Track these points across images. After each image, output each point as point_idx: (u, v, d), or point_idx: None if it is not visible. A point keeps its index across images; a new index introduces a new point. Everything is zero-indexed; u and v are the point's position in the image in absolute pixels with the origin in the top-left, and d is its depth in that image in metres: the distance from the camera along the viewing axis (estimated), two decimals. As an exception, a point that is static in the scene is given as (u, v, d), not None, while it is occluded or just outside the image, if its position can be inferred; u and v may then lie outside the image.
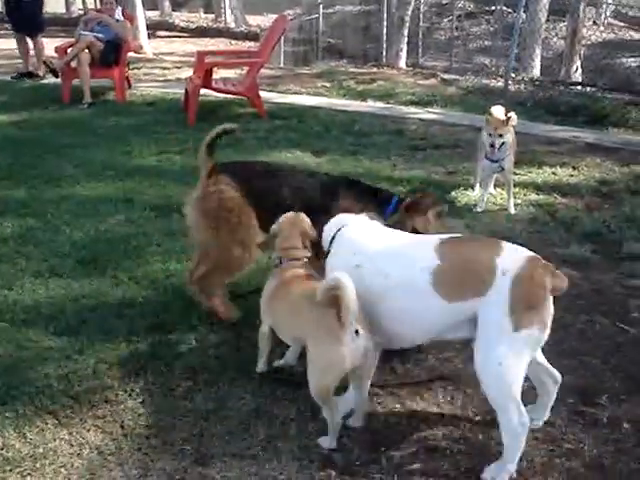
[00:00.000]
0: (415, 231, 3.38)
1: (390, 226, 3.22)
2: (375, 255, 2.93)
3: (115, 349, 3.51)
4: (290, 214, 3.32)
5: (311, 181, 3.81)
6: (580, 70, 11.92)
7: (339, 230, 3.14)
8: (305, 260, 3.24)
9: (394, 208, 3.64)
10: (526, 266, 2.67)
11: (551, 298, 2.69)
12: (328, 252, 3.16)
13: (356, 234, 3.08)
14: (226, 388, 3.25)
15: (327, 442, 2.85)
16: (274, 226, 3.29)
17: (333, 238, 3.14)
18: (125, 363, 3.41)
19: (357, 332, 2.67)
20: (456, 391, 3.27)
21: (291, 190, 3.70)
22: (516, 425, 2.62)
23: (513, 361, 2.61)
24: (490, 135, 5.41)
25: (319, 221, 3.34)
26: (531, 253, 2.76)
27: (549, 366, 2.99)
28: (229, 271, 3.83)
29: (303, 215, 3.31)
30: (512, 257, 2.70)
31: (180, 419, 3.02)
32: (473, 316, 2.70)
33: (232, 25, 21.20)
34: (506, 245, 2.77)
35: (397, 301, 2.83)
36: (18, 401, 3.13)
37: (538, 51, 12.63)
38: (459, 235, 3.31)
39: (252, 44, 18.25)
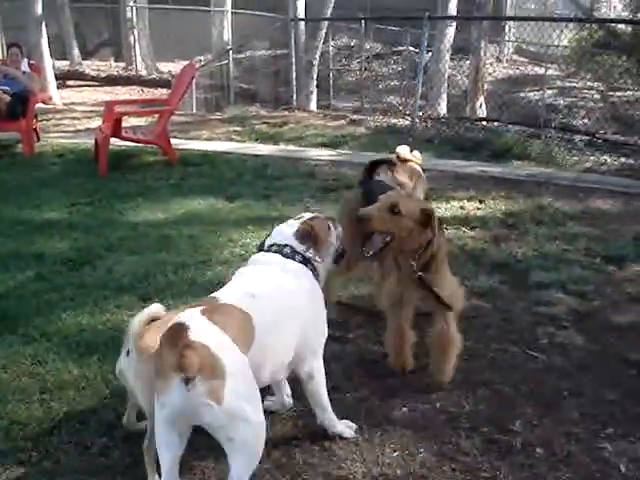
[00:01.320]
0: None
1: None
2: None
3: (28, 409, 3.43)
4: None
5: None
6: (484, 106, 12.30)
7: None
8: None
9: None
10: None
11: None
12: None
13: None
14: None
15: None
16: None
17: None
18: (39, 423, 3.33)
19: (128, 352, 2.84)
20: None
21: None
22: None
23: None
24: None
25: None
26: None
27: None
28: None
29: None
30: None
31: (97, 477, 2.96)
32: None
33: (143, 73, 21.15)
34: None
35: None
36: None
37: (444, 89, 13.00)
38: None
39: (164, 91, 18.22)
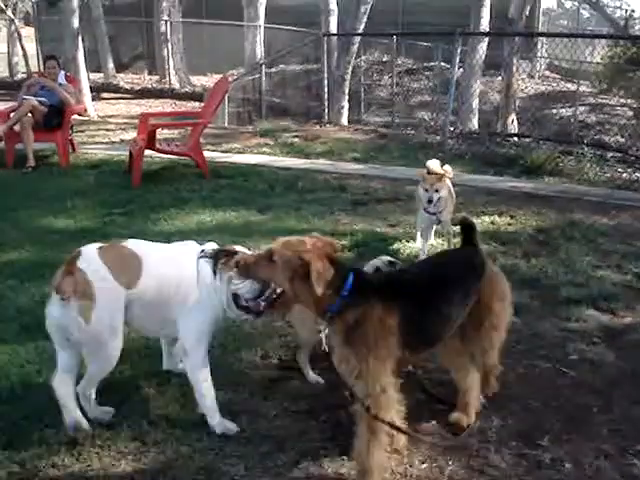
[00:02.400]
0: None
1: None
2: None
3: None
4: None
5: None
6: (516, 122, 12.28)
7: None
8: None
9: None
10: None
11: None
12: None
13: None
14: (175, 447, 3.25)
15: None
16: None
17: None
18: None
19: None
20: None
21: None
22: None
23: None
24: (427, 190, 5.57)
25: None
26: None
27: None
28: None
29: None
30: None
31: (129, 481, 3.01)
32: None
33: (176, 86, 21.34)
34: None
35: None
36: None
37: (475, 105, 12.99)
38: None
39: (196, 104, 18.38)
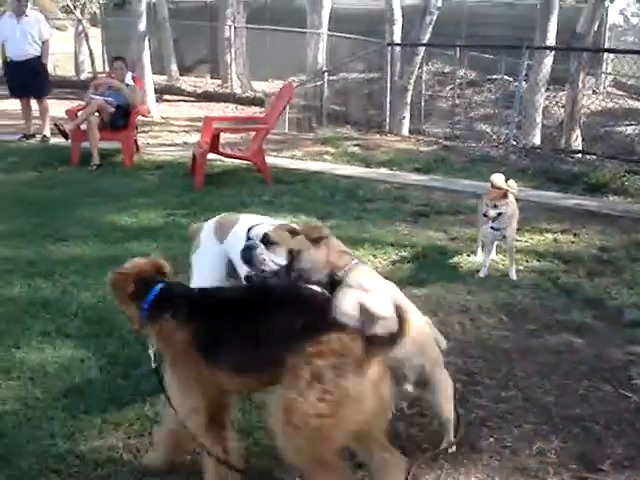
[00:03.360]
0: None
1: None
2: None
3: (121, 409, 3.55)
4: None
5: None
6: (580, 138, 12.09)
7: None
8: None
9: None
10: None
11: None
12: None
13: None
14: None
15: None
16: None
17: None
18: (130, 424, 3.44)
19: None
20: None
21: None
22: None
23: None
24: (486, 204, 5.53)
25: None
26: None
27: None
28: None
29: None
30: None
31: (185, 480, 3.04)
32: None
33: (238, 90, 21.53)
34: None
35: None
36: (23, 459, 3.16)
37: (539, 119, 12.83)
38: None
39: (257, 109, 18.54)
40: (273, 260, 3.18)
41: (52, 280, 5.34)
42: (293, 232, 3.24)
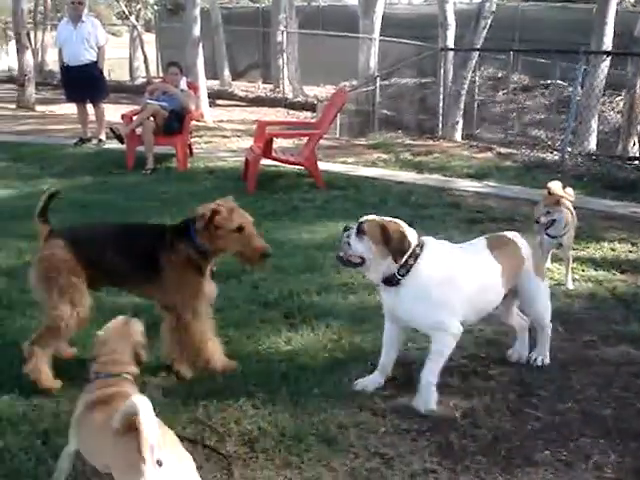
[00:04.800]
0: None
1: None
2: None
3: (174, 412, 3.57)
4: (120, 320, 3.12)
5: (131, 234, 4.14)
6: (638, 144, 11.86)
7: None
8: (127, 376, 2.95)
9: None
10: None
11: None
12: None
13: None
14: (283, 455, 3.28)
15: None
16: (100, 333, 3.07)
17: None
18: (183, 427, 3.46)
19: (159, 462, 2.31)
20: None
21: (115, 246, 3.95)
22: None
23: None
24: (539, 211, 5.46)
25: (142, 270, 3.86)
26: None
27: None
28: (59, 333, 3.90)
29: (135, 322, 3.13)
30: None
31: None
32: None
33: (289, 95, 21.67)
34: None
35: None
36: (78, 460, 3.19)
37: (594, 125, 12.61)
38: None
39: (309, 114, 18.62)
40: (356, 247, 3.55)
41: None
42: (384, 230, 3.52)
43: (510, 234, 4.06)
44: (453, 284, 3.63)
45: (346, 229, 3.64)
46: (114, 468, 2.50)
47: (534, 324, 4.19)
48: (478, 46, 14.13)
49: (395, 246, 3.52)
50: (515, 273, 3.93)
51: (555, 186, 5.59)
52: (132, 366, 3.00)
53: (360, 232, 3.55)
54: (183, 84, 10.52)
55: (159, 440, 2.32)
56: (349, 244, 3.58)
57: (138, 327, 3.10)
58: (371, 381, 3.90)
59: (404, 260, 3.54)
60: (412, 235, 3.61)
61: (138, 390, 2.93)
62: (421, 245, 3.61)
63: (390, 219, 3.64)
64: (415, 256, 3.57)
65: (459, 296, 3.65)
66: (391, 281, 3.62)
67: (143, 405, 2.33)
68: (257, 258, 3.89)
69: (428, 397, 3.65)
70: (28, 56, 17.20)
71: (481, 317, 3.96)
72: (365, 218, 3.62)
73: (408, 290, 3.61)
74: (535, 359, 4.16)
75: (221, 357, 4.05)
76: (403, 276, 3.57)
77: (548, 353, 4.19)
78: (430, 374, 3.66)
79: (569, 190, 5.67)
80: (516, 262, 3.93)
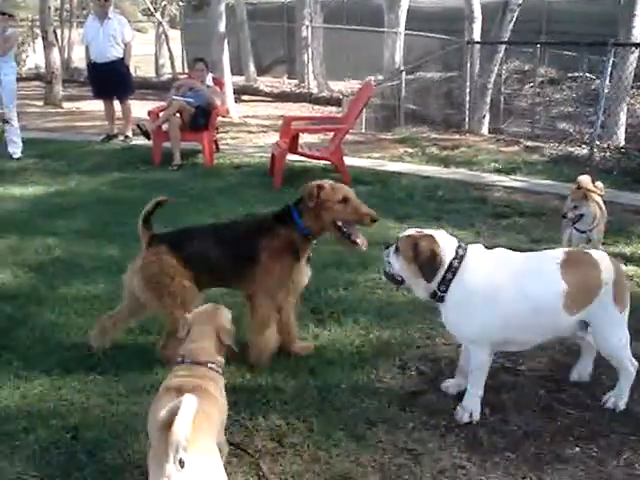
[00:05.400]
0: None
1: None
2: None
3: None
4: (210, 306, 3.21)
5: (231, 231, 4.25)
6: (667, 138, 11.69)
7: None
8: (212, 366, 2.98)
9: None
10: None
11: None
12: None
13: None
14: (312, 450, 3.28)
15: None
16: (188, 316, 3.16)
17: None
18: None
19: (182, 463, 2.30)
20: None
21: (218, 246, 4.04)
22: None
23: None
24: (567, 206, 5.42)
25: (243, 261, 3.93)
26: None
27: None
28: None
29: (224, 309, 3.21)
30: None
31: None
32: None
33: (314, 90, 21.63)
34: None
35: None
36: (107, 453, 3.23)
37: (623, 118, 12.45)
38: None
39: (334, 109, 18.57)
40: (395, 266, 3.54)
41: (135, 278, 5.45)
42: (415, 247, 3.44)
43: (597, 253, 3.57)
44: (496, 299, 3.39)
45: (387, 247, 3.62)
46: (149, 457, 2.52)
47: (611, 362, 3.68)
48: (505, 39, 14.00)
49: (424, 265, 3.41)
50: (586, 299, 3.44)
51: (584, 180, 5.53)
52: (218, 356, 3.04)
53: (397, 250, 3.52)
54: (209, 80, 10.53)
55: (185, 441, 2.29)
56: (389, 262, 3.57)
57: (227, 314, 3.17)
58: (453, 385, 3.85)
59: (442, 275, 3.41)
60: (449, 248, 3.44)
61: (223, 382, 3.01)
62: (460, 257, 3.42)
63: (428, 233, 3.50)
64: (453, 270, 3.40)
65: (502, 312, 3.40)
66: (435, 297, 3.50)
67: (186, 405, 2.34)
68: (368, 222, 4.01)
69: (473, 408, 3.55)
70: (55, 53, 17.33)
71: (537, 342, 3.67)
72: (403, 234, 3.55)
73: (448, 307, 3.49)
74: (607, 400, 3.68)
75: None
76: (445, 292, 3.45)
77: (626, 397, 3.65)
78: (472, 388, 3.56)
79: (599, 184, 5.61)
80: (590, 286, 3.45)
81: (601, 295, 3.42)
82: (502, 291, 3.39)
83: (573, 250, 3.80)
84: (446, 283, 3.41)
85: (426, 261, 3.39)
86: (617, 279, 3.47)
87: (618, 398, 3.64)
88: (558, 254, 3.53)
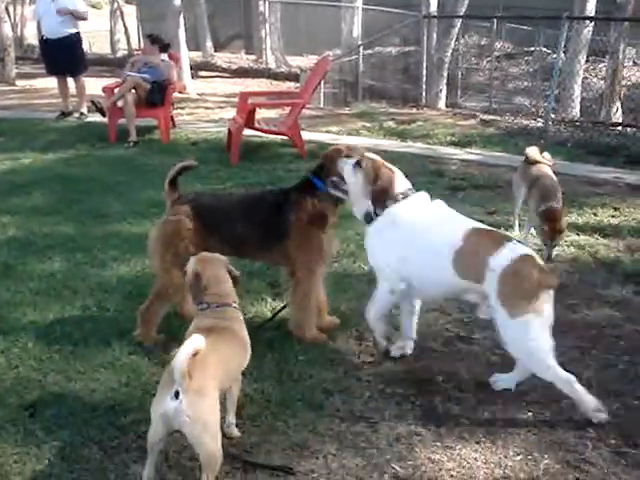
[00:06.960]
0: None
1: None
2: None
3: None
4: (207, 255, 3.32)
5: (258, 202, 4.19)
6: (620, 111, 11.85)
7: None
8: (236, 306, 3.24)
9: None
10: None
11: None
12: None
13: None
14: (270, 421, 3.32)
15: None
16: (197, 268, 3.22)
17: None
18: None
19: (177, 394, 2.59)
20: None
21: (244, 217, 4.03)
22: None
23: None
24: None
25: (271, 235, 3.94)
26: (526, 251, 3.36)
27: None
28: (168, 297, 4.03)
29: (219, 256, 3.35)
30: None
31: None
32: None
33: (273, 66, 21.51)
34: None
35: None
36: (66, 431, 3.22)
37: (577, 92, 12.58)
38: None
39: (292, 84, 18.49)
40: (348, 176, 3.74)
41: (91, 255, 5.44)
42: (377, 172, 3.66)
43: (513, 246, 3.37)
44: (406, 237, 3.60)
45: (347, 156, 3.83)
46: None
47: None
48: (461, 13, 14.04)
49: (377, 190, 3.63)
50: (477, 271, 3.36)
51: (532, 151, 5.63)
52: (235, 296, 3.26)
53: (357, 165, 3.70)
54: (164, 55, 10.42)
55: (182, 377, 2.55)
56: (343, 170, 3.76)
57: (224, 258, 3.34)
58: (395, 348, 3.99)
59: (384, 202, 3.64)
60: (402, 185, 3.69)
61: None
62: (404, 195, 3.66)
63: (392, 166, 3.75)
64: (393, 202, 3.64)
65: (405, 250, 3.61)
66: (366, 218, 3.74)
67: (190, 342, 2.63)
68: None
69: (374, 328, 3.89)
70: (7, 29, 16.99)
71: (438, 295, 3.91)
72: (369, 155, 3.74)
73: (371, 230, 3.74)
74: (495, 381, 3.64)
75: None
76: (377, 215, 3.68)
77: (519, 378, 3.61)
78: (367, 313, 3.85)
79: (546, 154, 5.71)
80: (479, 260, 3.35)
81: (487, 279, 3.32)
82: (414, 232, 3.58)
83: (485, 228, 3.66)
84: (383, 208, 3.64)
85: (381, 188, 3.63)
86: (514, 273, 3.27)
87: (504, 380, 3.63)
88: (472, 225, 3.59)
